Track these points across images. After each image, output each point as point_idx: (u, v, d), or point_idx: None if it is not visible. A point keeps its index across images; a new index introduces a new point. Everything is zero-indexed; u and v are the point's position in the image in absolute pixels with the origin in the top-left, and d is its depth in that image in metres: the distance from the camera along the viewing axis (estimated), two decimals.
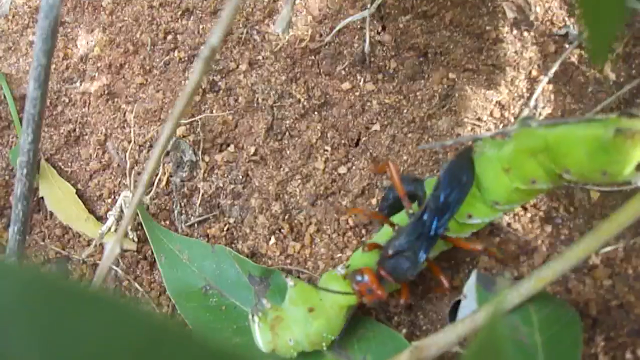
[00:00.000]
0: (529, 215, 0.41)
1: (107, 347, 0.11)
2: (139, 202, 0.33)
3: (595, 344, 0.38)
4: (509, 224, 0.40)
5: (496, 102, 0.42)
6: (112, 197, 0.47)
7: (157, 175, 0.45)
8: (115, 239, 0.35)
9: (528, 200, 0.35)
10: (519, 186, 0.33)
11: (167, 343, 0.12)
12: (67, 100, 0.49)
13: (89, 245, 0.47)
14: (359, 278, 0.33)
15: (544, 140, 0.32)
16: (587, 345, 0.38)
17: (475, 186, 0.35)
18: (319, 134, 0.43)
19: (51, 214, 0.49)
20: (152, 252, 0.44)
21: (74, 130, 0.48)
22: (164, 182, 0.45)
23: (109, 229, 0.44)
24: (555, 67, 0.42)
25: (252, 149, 0.44)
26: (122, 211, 0.44)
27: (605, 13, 0.22)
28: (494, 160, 0.34)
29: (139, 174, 0.45)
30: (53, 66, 0.49)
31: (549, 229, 0.40)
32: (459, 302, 0.37)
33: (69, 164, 0.48)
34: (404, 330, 0.39)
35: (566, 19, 0.43)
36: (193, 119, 0.44)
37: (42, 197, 0.49)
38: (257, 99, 0.44)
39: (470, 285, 0.37)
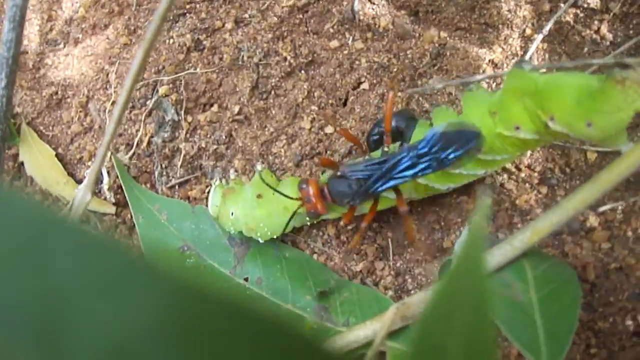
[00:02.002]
0: (522, 175, 0.39)
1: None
2: (111, 140, 0.31)
3: (594, 309, 0.36)
4: (502, 184, 0.39)
5: (489, 60, 0.41)
6: (93, 160, 0.45)
7: (137, 135, 0.43)
8: (87, 184, 0.33)
9: (510, 154, 0.33)
10: (502, 131, 0.32)
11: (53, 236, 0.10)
12: (50, 63, 0.47)
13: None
14: (303, 186, 0.34)
15: (534, 83, 0.31)
16: (585, 310, 0.36)
17: None
18: (306, 93, 0.42)
19: (31, 180, 0.48)
20: (131, 216, 0.42)
21: (56, 93, 0.47)
22: (144, 143, 0.43)
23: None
24: (549, 26, 0.41)
25: (236, 109, 0.42)
26: (100, 171, 0.42)
27: None
28: (483, 102, 0.33)
29: (120, 135, 0.44)
30: (37, 28, 0.48)
31: (544, 190, 0.38)
32: (450, 261, 0.35)
33: (51, 128, 0.47)
34: (390, 294, 0.37)
35: None
36: (176, 76, 0.43)
37: (22, 163, 0.48)
38: (243, 57, 0.42)
39: (462, 243, 0.35)
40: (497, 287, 0.32)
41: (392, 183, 0.32)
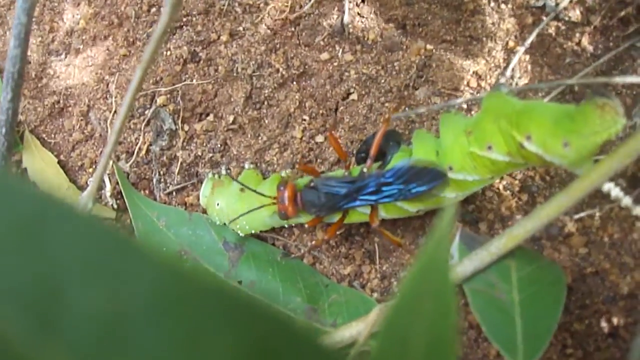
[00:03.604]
0: (504, 183, 0.40)
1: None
2: (112, 151, 0.33)
3: (570, 312, 0.38)
4: (483, 192, 0.40)
5: (473, 72, 0.43)
6: (94, 167, 0.47)
7: (137, 144, 0.45)
8: (88, 193, 0.35)
9: (480, 176, 0.34)
10: (475, 150, 0.33)
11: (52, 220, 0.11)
12: (52, 73, 0.49)
13: None
14: (280, 187, 0.36)
15: (511, 105, 0.32)
16: (562, 313, 0.37)
17: (434, 149, 0.35)
18: (297, 104, 0.43)
19: (34, 185, 0.49)
20: (130, 221, 0.44)
21: (58, 102, 0.49)
22: (143, 151, 0.45)
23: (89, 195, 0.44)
24: (531, 38, 0.42)
25: (231, 118, 0.44)
26: (101, 180, 0.44)
27: None
28: (459, 122, 0.34)
29: (120, 143, 0.46)
30: (39, 39, 0.50)
31: (524, 197, 0.40)
32: None
33: (53, 136, 0.49)
34: (376, 296, 0.39)
35: None
36: (173, 87, 0.44)
37: (25, 169, 0.50)
38: (237, 69, 0.44)
39: (456, 246, 0.37)
40: (481, 286, 0.34)
41: (356, 203, 0.35)
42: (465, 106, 0.42)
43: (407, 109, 0.42)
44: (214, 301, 0.12)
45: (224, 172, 0.43)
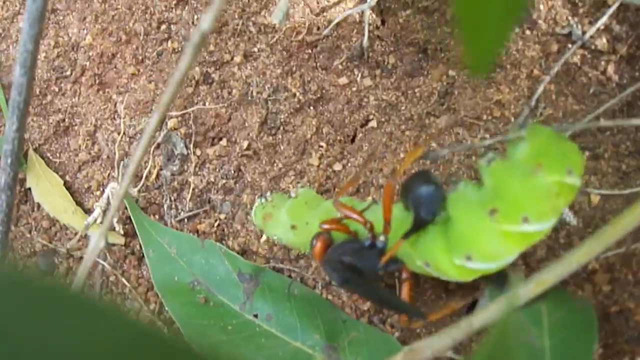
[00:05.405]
0: None
1: (87, 351, 0.11)
2: (124, 194, 0.32)
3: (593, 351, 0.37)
4: None
5: (496, 100, 0.41)
6: (101, 189, 0.45)
7: (146, 168, 0.44)
8: (100, 232, 0.34)
9: (510, 255, 0.29)
10: (508, 228, 0.27)
11: (150, 347, 0.11)
12: (57, 90, 0.47)
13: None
14: (313, 242, 0.34)
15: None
16: None
17: (440, 229, 0.30)
18: (314, 130, 0.42)
19: (38, 205, 0.48)
20: (140, 247, 0.43)
21: (64, 120, 0.47)
22: (153, 176, 0.44)
23: (95, 220, 0.42)
24: (557, 67, 0.41)
25: (245, 144, 0.42)
26: (109, 203, 0.43)
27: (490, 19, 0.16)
28: (473, 199, 0.29)
29: (128, 167, 0.44)
30: (43, 54, 0.48)
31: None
32: (476, 302, 0.36)
33: (58, 155, 0.47)
34: (397, 334, 0.38)
35: (570, 18, 0.42)
36: (185, 111, 0.43)
37: (29, 188, 0.48)
38: (252, 92, 0.43)
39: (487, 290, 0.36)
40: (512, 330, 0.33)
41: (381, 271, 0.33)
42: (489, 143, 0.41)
43: (428, 138, 0.41)
44: None
45: (269, 198, 0.38)
